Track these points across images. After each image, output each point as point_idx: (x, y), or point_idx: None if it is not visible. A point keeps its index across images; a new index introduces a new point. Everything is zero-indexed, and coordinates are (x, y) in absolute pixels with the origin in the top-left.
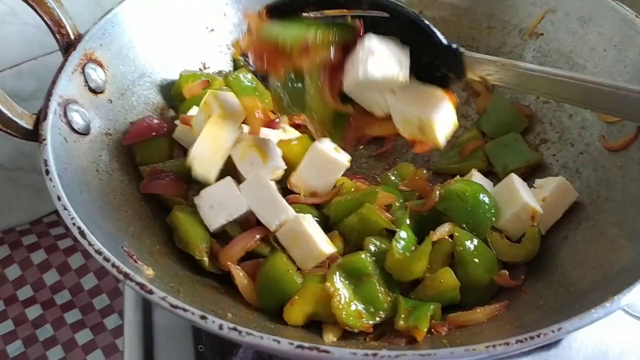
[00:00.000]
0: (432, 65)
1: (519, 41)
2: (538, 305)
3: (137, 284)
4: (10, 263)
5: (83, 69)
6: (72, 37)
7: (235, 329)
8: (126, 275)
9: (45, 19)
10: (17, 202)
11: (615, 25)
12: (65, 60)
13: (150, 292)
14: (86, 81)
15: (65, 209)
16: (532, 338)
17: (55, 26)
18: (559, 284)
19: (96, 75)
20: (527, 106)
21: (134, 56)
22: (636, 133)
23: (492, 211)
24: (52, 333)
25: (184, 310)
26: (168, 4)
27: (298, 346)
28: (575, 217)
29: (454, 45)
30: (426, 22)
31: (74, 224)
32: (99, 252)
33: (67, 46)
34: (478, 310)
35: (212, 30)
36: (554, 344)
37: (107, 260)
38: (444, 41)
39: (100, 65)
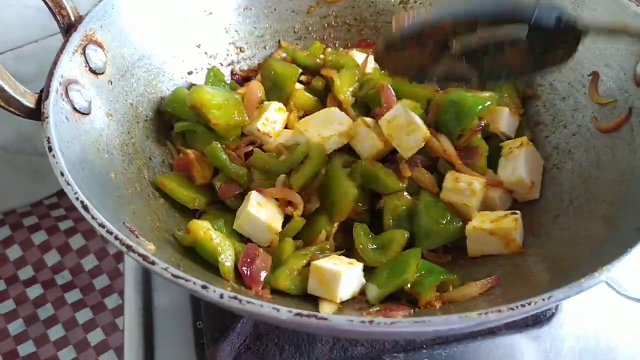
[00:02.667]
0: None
1: None
2: (529, 280)
3: (140, 255)
4: (11, 244)
5: (84, 50)
6: (73, 18)
7: (235, 297)
8: (129, 247)
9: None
10: (18, 184)
11: (608, 8)
12: (66, 41)
13: (153, 263)
14: (87, 62)
15: (68, 184)
16: (523, 306)
17: (56, 7)
18: (551, 260)
19: (96, 56)
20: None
21: (134, 38)
22: (627, 114)
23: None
24: (52, 312)
25: (186, 280)
26: None
27: (297, 314)
28: (567, 196)
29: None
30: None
31: (77, 198)
32: (102, 225)
33: (68, 27)
34: (472, 284)
35: (211, 13)
36: (546, 321)
37: (110, 232)
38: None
39: (101, 47)
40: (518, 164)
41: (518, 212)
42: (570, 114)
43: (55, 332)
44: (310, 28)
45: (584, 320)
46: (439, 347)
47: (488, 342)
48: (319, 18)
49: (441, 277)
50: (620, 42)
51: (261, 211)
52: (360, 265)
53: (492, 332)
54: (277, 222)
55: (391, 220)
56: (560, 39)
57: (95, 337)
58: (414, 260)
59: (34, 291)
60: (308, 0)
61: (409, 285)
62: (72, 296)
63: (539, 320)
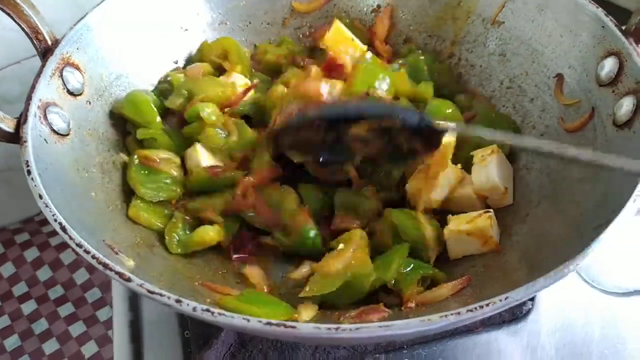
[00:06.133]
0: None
1: (482, 30)
2: (498, 279)
3: (116, 273)
4: (4, 261)
5: (61, 72)
6: (49, 42)
7: (208, 310)
8: (105, 265)
9: (23, 26)
10: (9, 202)
11: (569, 11)
12: (43, 65)
13: (129, 279)
14: (64, 84)
15: (47, 206)
16: (481, 307)
17: (33, 33)
18: (519, 259)
19: (74, 78)
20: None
21: (110, 58)
22: (590, 114)
23: None
24: (47, 327)
25: (160, 295)
26: (142, 6)
27: (267, 323)
28: (536, 195)
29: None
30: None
31: (55, 219)
32: (79, 245)
33: (45, 51)
34: (443, 286)
35: (187, 29)
36: (523, 317)
37: (87, 252)
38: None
39: (78, 69)
40: (491, 171)
41: (491, 210)
42: (538, 115)
43: (50, 346)
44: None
45: (559, 315)
46: (419, 346)
47: (466, 340)
48: (293, 29)
49: (421, 272)
50: (581, 44)
51: None
52: None
53: (470, 330)
54: None
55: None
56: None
57: (89, 349)
58: (398, 258)
59: (28, 307)
60: (282, 13)
61: (392, 282)
62: (65, 310)
63: (516, 316)
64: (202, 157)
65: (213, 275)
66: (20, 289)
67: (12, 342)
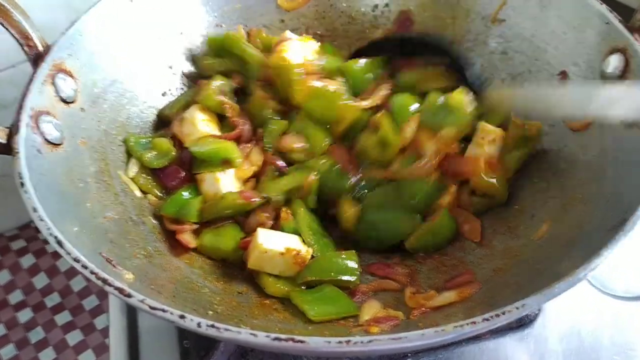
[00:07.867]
0: None
1: (483, 28)
2: (508, 284)
3: (116, 288)
4: (0, 268)
5: (53, 79)
6: (41, 48)
7: (213, 325)
8: (104, 280)
9: (12, 32)
10: (4, 208)
11: (573, 8)
12: (35, 72)
13: (129, 295)
14: (57, 92)
15: (41, 220)
16: (497, 316)
17: (23, 39)
18: (528, 263)
19: (66, 85)
20: None
21: (104, 64)
22: None
23: None
24: (43, 335)
25: (163, 311)
26: (135, 10)
27: (275, 338)
28: (542, 196)
29: None
30: None
31: (50, 234)
32: (77, 260)
33: (36, 58)
34: (451, 292)
35: (182, 33)
36: (529, 323)
37: (85, 267)
38: None
39: (70, 75)
40: None
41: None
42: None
43: (47, 355)
44: None
45: (567, 320)
46: (424, 354)
47: (473, 347)
48: (289, 31)
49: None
50: (585, 40)
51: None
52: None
53: (477, 336)
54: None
55: None
56: None
57: (87, 358)
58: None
59: (25, 315)
60: (279, 14)
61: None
62: (62, 318)
63: (522, 322)
64: (224, 185)
65: (214, 286)
66: (16, 296)
67: (7, 351)
